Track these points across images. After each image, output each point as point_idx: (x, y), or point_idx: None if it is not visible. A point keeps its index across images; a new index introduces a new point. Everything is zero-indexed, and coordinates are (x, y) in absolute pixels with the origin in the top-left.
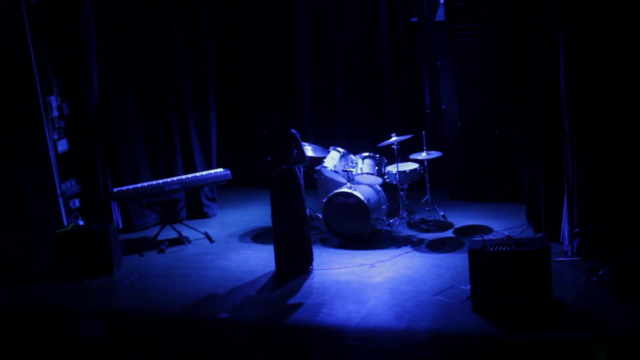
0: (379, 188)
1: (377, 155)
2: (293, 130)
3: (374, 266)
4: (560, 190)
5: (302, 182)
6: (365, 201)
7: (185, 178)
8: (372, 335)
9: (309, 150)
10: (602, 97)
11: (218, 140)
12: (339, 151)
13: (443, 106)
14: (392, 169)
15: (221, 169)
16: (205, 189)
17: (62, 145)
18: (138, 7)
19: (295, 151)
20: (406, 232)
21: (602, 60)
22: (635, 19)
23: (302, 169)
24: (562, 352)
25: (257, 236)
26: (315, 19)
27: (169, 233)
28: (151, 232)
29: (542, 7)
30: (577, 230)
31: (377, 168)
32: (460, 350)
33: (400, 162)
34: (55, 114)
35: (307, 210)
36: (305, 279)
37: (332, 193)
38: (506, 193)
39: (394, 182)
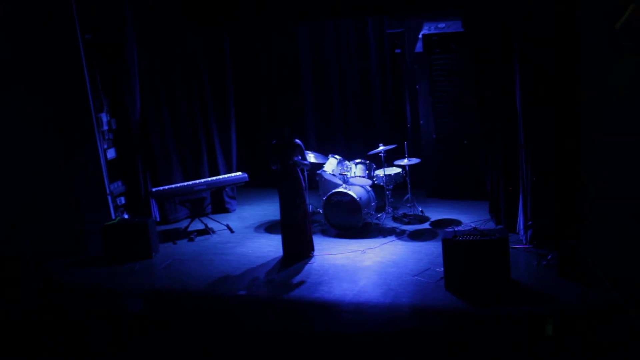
0: (369, 188)
1: (368, 162)
2: (298, 141)
3: (364, 252)
4: (516, 190)
5: (303, 183)
6: (358, 199)
7: (211, 180)
8: (362, 309)
9: (311, 157)
10: (550, 117)
11: (237, 149)
12: (336, 158)
13: (421, 122)
14: (379, 172)
15: (240, 173)
16: (226, 189)
17: (111, 153)
18: (171, 41)
19: (300, 157)
20: (391, 224)
21: (551, 87)
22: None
23: (305, 173)
24: (517, 323)
25: (269, 227)
26: (317, 51)
27: (197, 225)
28: (182, 224)
29: (502, 42)
30: (530, 222)
31: (367, 172)
32: (435, 321)
33: (386, 167)
34: (105, 127)
35: (310, 206)
36: (307, 262)
37: (331, 192)
38: (473, 192)
39: (382, 183)
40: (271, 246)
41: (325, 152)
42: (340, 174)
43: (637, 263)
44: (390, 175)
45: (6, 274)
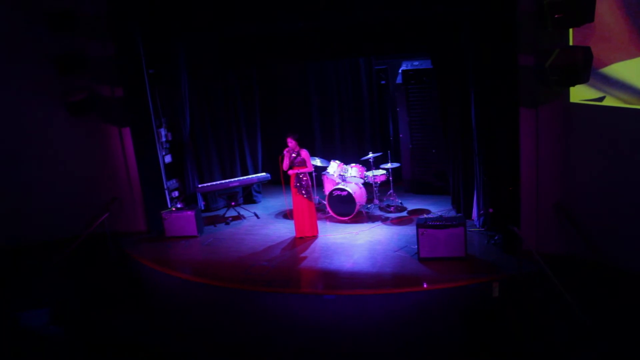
0: (361, 185)
1: (360, 165)
2: (305, 150)
3: (358, 234)
4: (472, 187)
5: (310, 182)
6: (353, 193)
7: (242, 178)
8: (356, 276)
9: (317, 162)
10: (497, 132)
11: (262, 155)
12: (337, 162)
13: (401, 135)
14: (369, 173)
15: (264, 173)
16: (254, 185)
17: (168, 159)
18: (213, 73)
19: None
20: (378, 213)
21: (498, 109)
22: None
23: (313, 174)
24: (473, 285)
25: (286, 215)
26: (322, 82)
27: (232, 212)
28: (221, 212)
29: (460, 75)
30: (482, 212)
31: (360, 173)
32: (410, 284)
33: (374, 169)
34: (164, 139)
35: (317, 198)
36: (313, 241)
37: (333, 188)
38: (439, 188)
39: (371, 182)
40: (287, 229)
41: (328, 158)
42: (339, 175)
43: (555, 242)
44: (377, 175)
45: (92, 248)
